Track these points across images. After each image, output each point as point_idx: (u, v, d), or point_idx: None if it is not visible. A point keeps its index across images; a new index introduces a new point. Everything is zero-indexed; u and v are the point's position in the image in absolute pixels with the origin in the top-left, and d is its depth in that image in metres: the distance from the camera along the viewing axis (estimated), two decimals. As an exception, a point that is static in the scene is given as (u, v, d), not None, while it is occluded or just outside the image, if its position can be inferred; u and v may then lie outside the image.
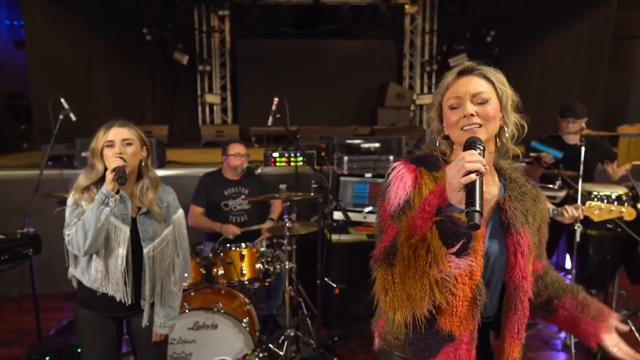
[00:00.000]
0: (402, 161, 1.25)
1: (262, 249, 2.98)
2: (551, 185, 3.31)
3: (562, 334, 3.46)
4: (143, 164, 1.97)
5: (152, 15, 8.26)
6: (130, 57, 8.67)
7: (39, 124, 6.36)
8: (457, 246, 1.05)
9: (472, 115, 1.17)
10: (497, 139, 1.25)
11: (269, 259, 3.03)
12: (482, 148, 1.11)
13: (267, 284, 3.12)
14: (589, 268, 3.31)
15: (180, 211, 2.10)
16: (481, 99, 1.19)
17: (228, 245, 2.97)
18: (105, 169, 1.88)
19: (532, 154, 3.51)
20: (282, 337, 3.03)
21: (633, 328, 3.37)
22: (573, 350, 3.12)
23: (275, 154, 4.58)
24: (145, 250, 1.94)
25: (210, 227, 3.41)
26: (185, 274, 2.14)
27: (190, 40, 9.31)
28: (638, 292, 3.61)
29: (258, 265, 2.95)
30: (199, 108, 9.75)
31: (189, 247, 2.16)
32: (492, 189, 1.27)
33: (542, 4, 8.18)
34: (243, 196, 3.54)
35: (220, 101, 9.82)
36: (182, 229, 2.09)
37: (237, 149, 3.54)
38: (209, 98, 9.58)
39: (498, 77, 1.23)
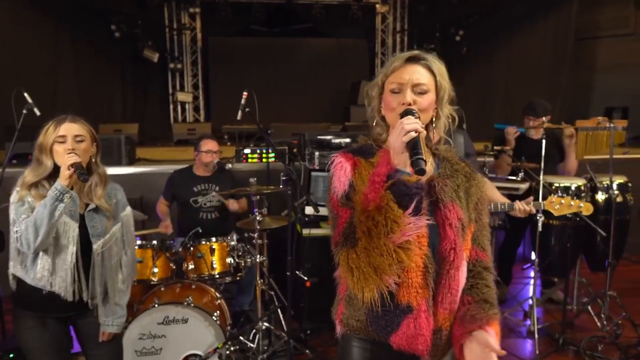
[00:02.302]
0: (339, 153, 1.33)
1: (233, 243, 2.99)
2: (514, 177, 3.43)
3: (527, 322, 3.58)
4: (93, 160, 1.95)
5: (121, 12, 8.09)
6: (98, 54, 8.47)
7: (2, 122, 6.18)
8: (412, 206, 1.12)
9: (409, 104, 1.24)
10: (430, 128, 1.32)
11: (240, 253, 3.04)
12: (417, 116, 1.20)
13: (238, 278, 3.12)
14: (550, 257, 3.44)
15: (129, 209, 2.08)
16: (421, 90, 1.26)
17: (198, 239, 2.97)
18: (54, 165, 1.85)
19: (496, 147, 3.63)
20: (254, 331, 3.05)
21: (592, 314, 3.53)
22: (536, 336, 3.24)
23: (247, 150, 4.59)
24: (94, 247, 1.91)
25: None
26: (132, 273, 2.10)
27: (160, 37, 9.15)
28: (597, 280, 3.77)
29: (229, 260, 2.96)
30: (171, 106, 9.61)
31: (135, 245, 2.15)
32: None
33: (507, 5, 8.42)
34: (214, 193, 3.54)
35: (192, 99, 9.71)
36: (130, 227, 2.07)
37: (209, 145, 3.53)
38: (181, 96, 9.45)
39: (441, 69, 1.30)
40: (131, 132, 7.32)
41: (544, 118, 3.46)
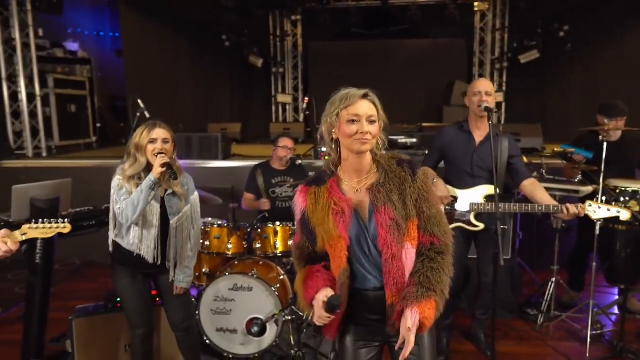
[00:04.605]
0: (301, 186, 1.74)
1: (295, 227, 3.43)
2: (571, 180, 3.40)
3: (593, 329, 3.51)
4: (172, 156, 2.49)
5: (231, 23, 9.05)
6: (211, 61, 9.59)
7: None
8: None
9: (367, 132, 1.58)
10: (377, 146, 1.68)
11: (303, 237, 3.47)
12: (339, 310, 1.59)
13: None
14: (609, 263, 3.35)
15: (196, 193, 2.63)
16: (372, 120, 1.60)
17: (265, 222, 3.47)
18: (148, 161, 2.42)
19: (556, 149, 3.61)
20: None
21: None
22: (589, 340, 3.21)
23: (324, 149, 5.01)
24: (171, 222, 2.50)
25: (256, 206, 3.97)
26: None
27: (264, 44, 10.02)
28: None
29: (291, 242, 3.41)
30: (273, 107, 10.46)
31: (201, 223, 2.69)
32: (370, 176, 1.66)
33: (618, -4, 7.78)
34: (288, 184, 4.03)
35: (292, 101, 10.45)
36: (197, 208, 2.63)
37: (285, 142, 4.05)
38: (281, 98, 10.22)
39: (380, 104, 1.64)
40: (235, 131, 8.22)
41: (606, 120, 3.35)
